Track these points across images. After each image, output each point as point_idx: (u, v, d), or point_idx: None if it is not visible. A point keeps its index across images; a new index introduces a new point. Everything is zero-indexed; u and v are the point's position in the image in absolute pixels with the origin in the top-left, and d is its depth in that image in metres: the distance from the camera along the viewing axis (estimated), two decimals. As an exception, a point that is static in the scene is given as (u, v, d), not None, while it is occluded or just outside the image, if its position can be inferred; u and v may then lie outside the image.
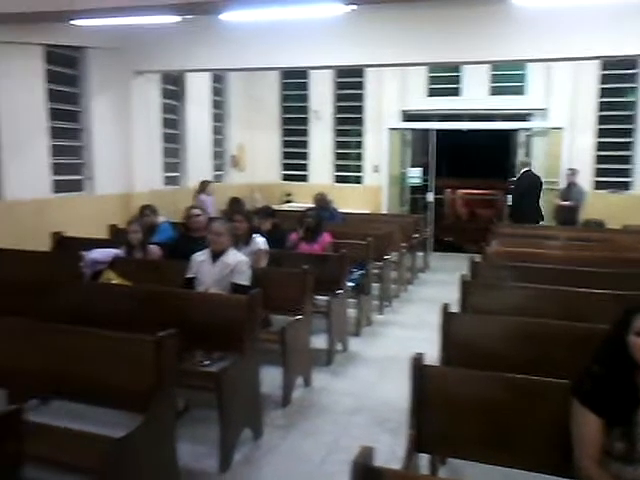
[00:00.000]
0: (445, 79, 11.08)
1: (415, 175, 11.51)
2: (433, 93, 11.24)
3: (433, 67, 10.76)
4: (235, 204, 7.12)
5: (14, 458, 1.86)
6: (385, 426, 3.90)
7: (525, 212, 9.01)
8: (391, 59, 7.36)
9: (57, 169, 7.28)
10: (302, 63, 8.04)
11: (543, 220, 9.25)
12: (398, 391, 4.28)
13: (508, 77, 10.76)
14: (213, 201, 8.59)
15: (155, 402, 2.68)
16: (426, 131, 11.06)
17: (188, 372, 3.47)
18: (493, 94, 10.87)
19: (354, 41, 7.14)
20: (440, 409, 2.48)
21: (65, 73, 7.49)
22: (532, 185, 9.07)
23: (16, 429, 1.85)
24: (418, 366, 2.48)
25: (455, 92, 11.07)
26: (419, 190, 11.66)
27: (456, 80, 11.02)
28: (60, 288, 4.20)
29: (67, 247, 6.00)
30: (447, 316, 3.27)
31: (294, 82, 11.98)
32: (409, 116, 11.42)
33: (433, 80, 11.20)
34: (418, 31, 6.91)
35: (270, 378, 4.10)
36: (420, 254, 9.23)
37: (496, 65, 10.43)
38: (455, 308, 3.51)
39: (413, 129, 11.58)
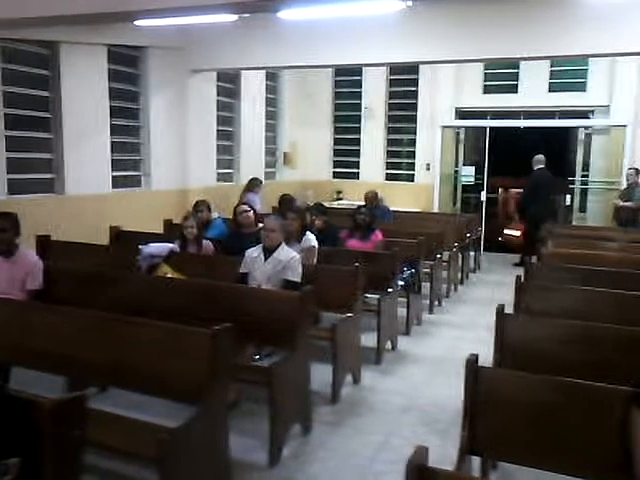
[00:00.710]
0: (502, 76, 10.84)
1: (468, 174, 11.31)
2: (488, 90, 11.02)
3: (490, 64, 10.54)
4: (286, 202, 7.17)
5: (77, 443, 1.94)
6: (434, 427, 3.87)
7: (533, 210, 9.03)
8: (447, 56, 7.26)
9: (116, 165, 7.53)
10: (357, 60, 8.01)
11: (555, 220, 9.16)
12: (448, 392, 4.26)
13: (568, 73, 10.42)
14: (260, 198, 8.67)
15: (209, 394, 2.74)
16: (480, 129, 10.86)
17: (240, 366, 3.52)
18: (552, 91, 10.56)
19: (409, 38, 7.08)
20: (493, 412, 2.44)
21: (126, 72, 7.73)
22: (543, 183, 9.09)
23: (80, 415, 1.93)
24: (472, 367, 2.45)
25: (512, 89, 10.82)
26: (471, 189, 11.45)
27: (513, 77, 10.76)
28: (118, 280, 4.35)
29: (125, 241, 6.19)
30: (502, 317, 3.22)
31: (347, 79, 11.96)
32: (463, 113, 11.23)
33: (489, 77, 10.98)
34: (475, 27, 6.77)
35: (319, 375, 4.11)
36: (471, 254, 9.08)
37: (556, 61, 10.12)
38: (508, 309, 3.44)
39: (467, 127, 11.39)
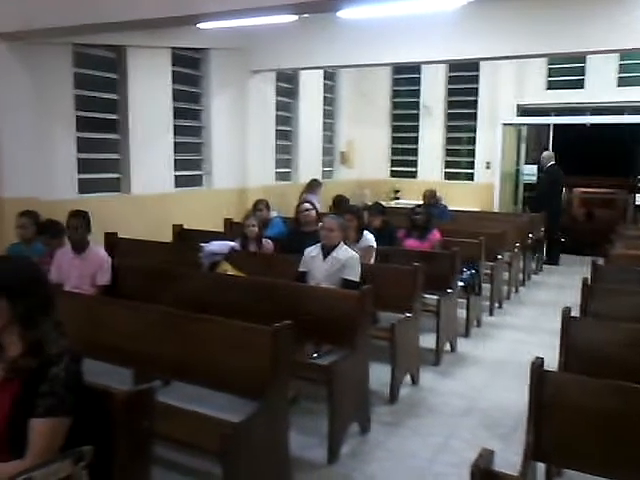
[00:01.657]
0: (566, 71, 10.50)
1: (530, 172, 11.02)
2: (552, 86, 10.70)
3: (554, 58, 10.23)
4: (340, 202, 7.15)
5: (147, 435, 2.01)
6: (495, 431, 3.79)
7: (549, 207, 9.07)
8: (509, 52, 7.09)
9: (179, 165, 7.73)
10: (416, 58, 7.93)
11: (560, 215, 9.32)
12: (510, 395, 4.18)
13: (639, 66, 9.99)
14: (319, 199, 8.69)
15: (270, 390, 2.78)
16: (543, 126, 10.55)
17: (299, 363, 3.56)
18: (621, 85, 10.13)
19: (469, 34, 6.95)
20: (559, 417, 2.38)
21: (189, 74, 7.93)
22: (557, 179, 9.13)
23: (149, 407, 2.00)
24: (537, 371, 2.40)
25: (578, 84, 10.45)
26: (534, 188, 11.14)
27: (579, 71, 10.40)
28: (181, 277, 4.47)
29: (187, 238, 6.36)
30: (568, 320, 3.12)
31: (405, 77, 11.87)
32: (525, 110, 10.94)
33: (553, 72, 10.66)
34: (538, 21, 6.58)
35: (377, 375, 4.11)
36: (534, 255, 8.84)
37: (625, 54, 9.69)
38: (573, 313, 3.33)
39: (529, 124, 11.08)
